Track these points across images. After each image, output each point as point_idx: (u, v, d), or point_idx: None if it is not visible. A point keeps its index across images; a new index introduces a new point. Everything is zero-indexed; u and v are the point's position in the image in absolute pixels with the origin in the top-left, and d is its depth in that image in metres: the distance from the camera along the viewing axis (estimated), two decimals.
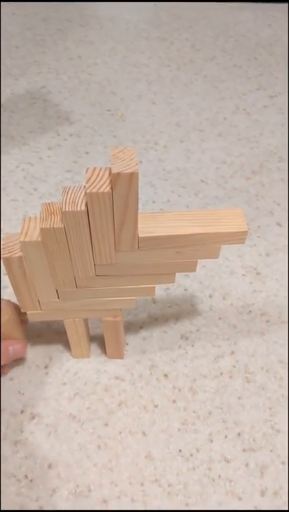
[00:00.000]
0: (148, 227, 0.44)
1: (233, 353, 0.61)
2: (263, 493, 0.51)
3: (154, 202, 0.79)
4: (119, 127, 0.92)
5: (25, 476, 0.52)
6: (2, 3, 1.21)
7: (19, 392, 0.57)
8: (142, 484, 0.51)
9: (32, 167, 0.83)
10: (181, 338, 0.63)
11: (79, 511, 0.49)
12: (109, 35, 1.14)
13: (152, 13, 1.22)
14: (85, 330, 0.56)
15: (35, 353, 0.60)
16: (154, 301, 0.66)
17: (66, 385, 0.58)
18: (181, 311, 0.65)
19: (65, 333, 0.60)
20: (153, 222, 0.45)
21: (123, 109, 0.95)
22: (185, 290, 0.68)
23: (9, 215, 0.75)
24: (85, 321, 0.56)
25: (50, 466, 0.52)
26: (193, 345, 0.62)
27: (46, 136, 0.89)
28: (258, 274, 0.69)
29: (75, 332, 0.55)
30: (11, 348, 0.55)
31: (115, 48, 1.10)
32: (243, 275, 0.69)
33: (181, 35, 1.15)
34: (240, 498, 0.50)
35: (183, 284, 0.68)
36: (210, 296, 0.67)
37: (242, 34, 1.17)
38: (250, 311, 0.65)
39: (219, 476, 0.52)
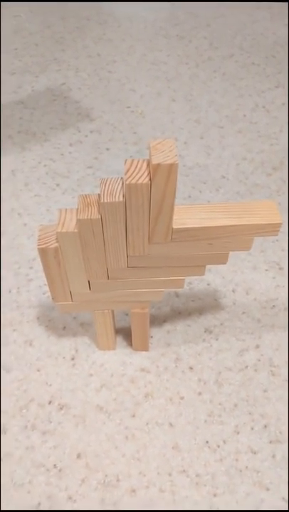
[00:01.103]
0: (181, 218, 0.45)
1: (257, 346, 0.62)
2: None
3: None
4: (139, 124, 0.92)
5: (54, 465, 0.52)
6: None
7: (47, 383, 0.58)
8: (170, 474, 0.52)
9: (54, 163, 0.84)
10: (205, 331, 0.63)
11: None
12: (128, 33, 1.15)
13: (169, 12, 1.22)
14: (113, 322, 0.57)
15: (61, 345, 0.61)
16: (177, 295, 0.67)
17: (93, 377, 0.58)
18: (205, 305, 0.66)
19: (90, 325, 0.61)
20: (186, 214, 0.46)
21: (143, 106, 0.96)
22: (208, 285, 0.68)
23: (33, 210, 0.76)
24: (113, 312, 0.56)
25: (78, 456, 0.53)
26: (217, 339, 0.62)
27: (67, 132, 0.90)
28: (280, 269, 0.70)
29: (103, 324, 0.56)
30: None
31: (134, 46, 1.11)
32: (266, 270, 0.70)
33: (198, 33, 1.16)
34: (267, 489, 0.51)
35: (206, 278, 0.69)
36: (233, 291, 0.67)
37: (259, 33, 1.17)
38: (273, 306, 0.66)
39: (246, 467, 0.52)
